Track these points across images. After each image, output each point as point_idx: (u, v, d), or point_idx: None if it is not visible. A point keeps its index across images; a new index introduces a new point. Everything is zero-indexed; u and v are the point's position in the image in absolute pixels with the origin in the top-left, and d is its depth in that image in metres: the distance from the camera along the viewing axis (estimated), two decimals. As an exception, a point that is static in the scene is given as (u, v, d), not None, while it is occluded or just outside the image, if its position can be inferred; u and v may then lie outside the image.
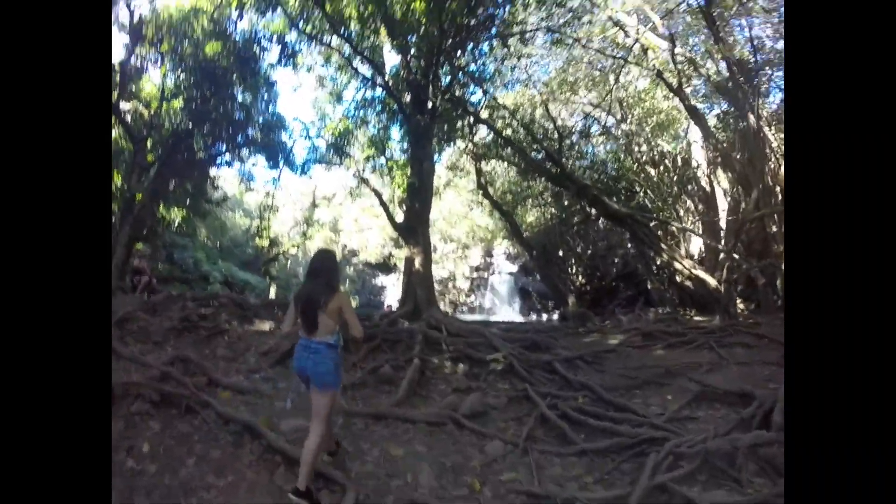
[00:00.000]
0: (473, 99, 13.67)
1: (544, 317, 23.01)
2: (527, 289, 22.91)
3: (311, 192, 22.49)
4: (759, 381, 5.64)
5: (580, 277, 21.62)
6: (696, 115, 11.58)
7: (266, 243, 17.13)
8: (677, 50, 10.84)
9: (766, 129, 10.52)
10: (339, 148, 14.38)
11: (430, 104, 11.43)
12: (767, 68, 11.42)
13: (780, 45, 10.77)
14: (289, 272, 28.72)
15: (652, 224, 12.79)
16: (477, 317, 23.56)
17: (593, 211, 13.75)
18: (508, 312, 23.60)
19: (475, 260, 25.80)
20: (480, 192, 16.73)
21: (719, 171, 13.91)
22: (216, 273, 22.29)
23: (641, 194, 14.70)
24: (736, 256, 11.61)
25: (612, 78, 14.44)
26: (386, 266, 26.91)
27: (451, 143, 15.66)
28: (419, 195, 11.57)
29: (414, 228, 11.26)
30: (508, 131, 13.67)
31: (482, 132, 15.52)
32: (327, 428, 3.59)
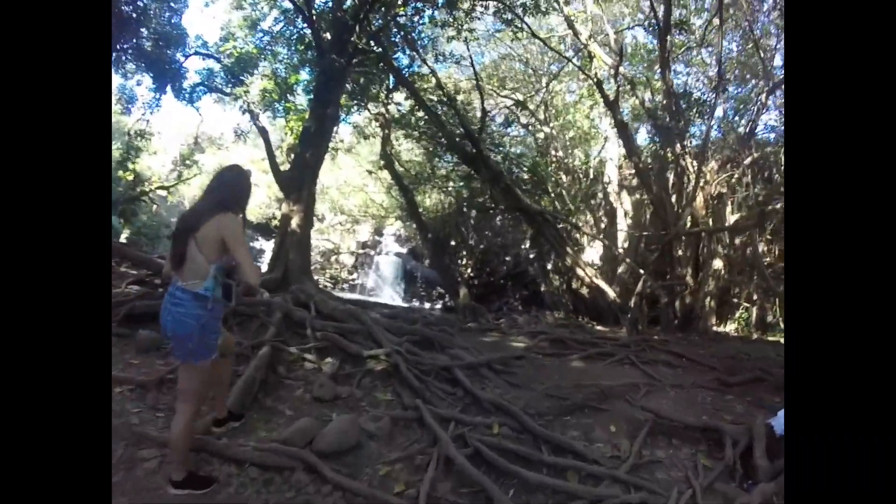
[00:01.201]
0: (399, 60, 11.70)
1: (427, 305, 21.52)
2: (414, 273, 21.12)
3: (196, 128, 18.65)
4: (708, 410, 4.52)
5: (469, 270, 20.39)
6: (623, 131, 10.74)
7: (130, 177, 13.80)
8: (620, 69, 10.13)
9: (689, 158, 9.99)
10: (235, 75, 11.65)
11: (350, 49, 9.29)
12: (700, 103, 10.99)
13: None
14: (159, 220, 24.50)
15: (559, 226, 11.63)
16: (357, 296, 21.51)
17: (501, 202, 12.33)
18: (391, 296, 21.70)
19: (364, 236, 23.43)
20: (382, 162, 14.68)
21: (624, 192, 13.60)
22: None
23: (552, 197, 13.62)
24: (641, 271, 10.82)
25: (545, 80, 14.09)
26: (267, 229, 23.74)
27: (363, 105, 13.57)
28: (313, 144, 9.33)
29: (299, 182, 9.00)
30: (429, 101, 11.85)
31: (399, 98, 13.72)
32: (196, 406, 2.58)
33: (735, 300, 10.20)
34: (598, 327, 9.48)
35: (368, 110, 14.06)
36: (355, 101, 13.20)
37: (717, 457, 3.45)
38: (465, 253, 20.54)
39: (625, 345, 6.85)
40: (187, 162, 17.10)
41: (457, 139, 10.96)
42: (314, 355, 4.51)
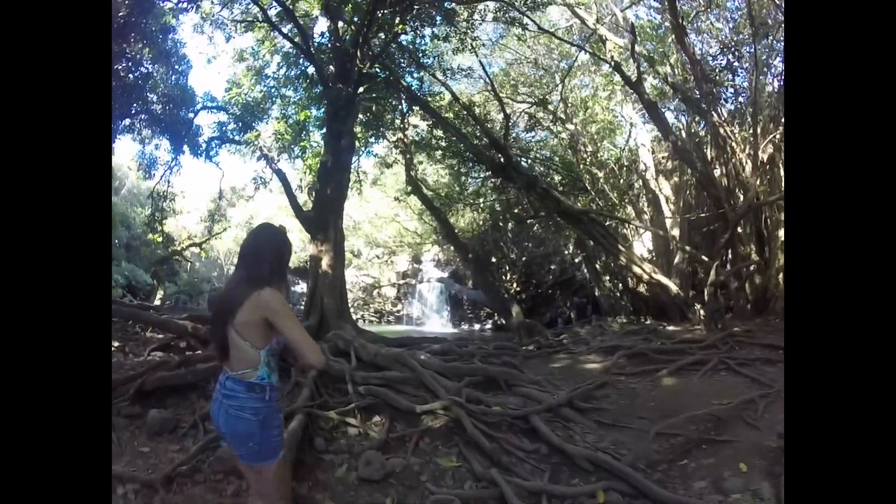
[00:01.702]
0: (410, 82, 11.12)
1: (477, 326, 20.57)
2: (459, 297, 20.24)
3: (218, 182, 18.57)
4: None
5: (515, 285, 19.41)
6: (653, 111, 9.75)
7: (159, 239, 13.61)
8: (636, 47, 9.26)
9: (727, 127, 8.92)
10: (245, 122, 11.28)
11: (355, 76, 8.76)
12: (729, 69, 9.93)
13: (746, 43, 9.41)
14: (194, 277, 24.56)
15: (606, 224, 10.62)
16: (404, 327, 20.79)
17: (540, 209, 11.40)
18: (438, 322, 20.88)
19: (402, 266, 22.73)
20: (410, 188, 14.02)
21: (661, 177, 12.48)
22: (117, 276, 18.22)
23: (591, 195, 12.57)
24: (705, 258, 9.63)
25: (558, 77, 13.12)
26: (305, 271, 23.47)
27: (380, 134, 13.03)
28: (332, 178, 8.73)
29: (324, 220, 8.36)
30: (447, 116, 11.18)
31: (415, 121, 13.15)
32: None
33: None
34: (670, 327, 8.35)
35: (386, 138, 13.50)
36: (371, 132, 12.67)
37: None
38: (507, 268, 19.57)
39: (712, 346, 5.79)
40: (215, 217, 16.86)
41: (483, 151, 10.16)
42: (358, 417, 3.68)
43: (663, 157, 13.39)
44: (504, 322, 14.32)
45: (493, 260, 19.19)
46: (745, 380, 4.57)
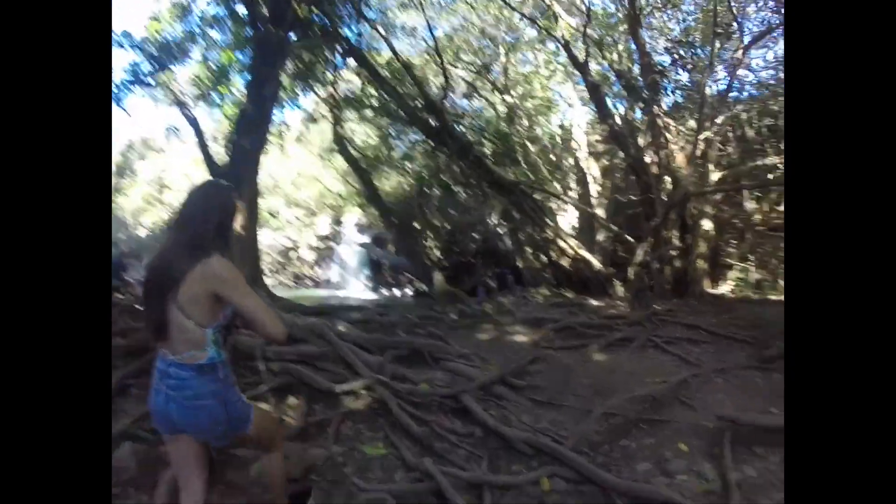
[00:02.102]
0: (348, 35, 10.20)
1: (398, 293, 20.21)
2: (381, 262, 19.64)
3: (127, 131, 16.42)
4: (767, 397, 3.59)
5: (437, 252, 19.19)
6: (595, 93, 9.75)
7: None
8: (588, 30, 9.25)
9: (665, 119, 9.21)
10: (161, 63, 9.83)
11: (290, 20, 7.84)
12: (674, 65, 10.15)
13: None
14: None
15: (535, 197, 10.54)
16: (323, 292, 20.01)
17: (471, 176, 11.09)
18: (358, 287, 20.27)
19: (323, 228, 21.66)
20: (336, 147, 13.19)
21: (592, 159, 12.83)
22: None
23: (523, 168, 12.43)
24: (630, 238, 9.85)
25: (503, 50, 13.10)
26: None
27: (309, 87, 11.96)
28: (252, 129, 7.86)
29: (239, 175, 7.51)
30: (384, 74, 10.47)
31: (349, 76, 12.31)
32: (282, 446, 2.09)
33: (728, 261, 9.38)
34: (592, 301, 8.44)
35: (316, 92, 12.47)
36: (300, 84, 11.59)
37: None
38: (430, 235, 19.24)
39: (637, 323, 5.82)
40: (123, 172, 14.92)
41: (417, 113, 9.60)
42: (272, 401, 3.18)
43: (596, 140, 13.57)
44: (426, 289, 14.04)
45: (417, 226, 18.81)
46: (673, 358, 4.59)
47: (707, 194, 8.44)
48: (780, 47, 10.11)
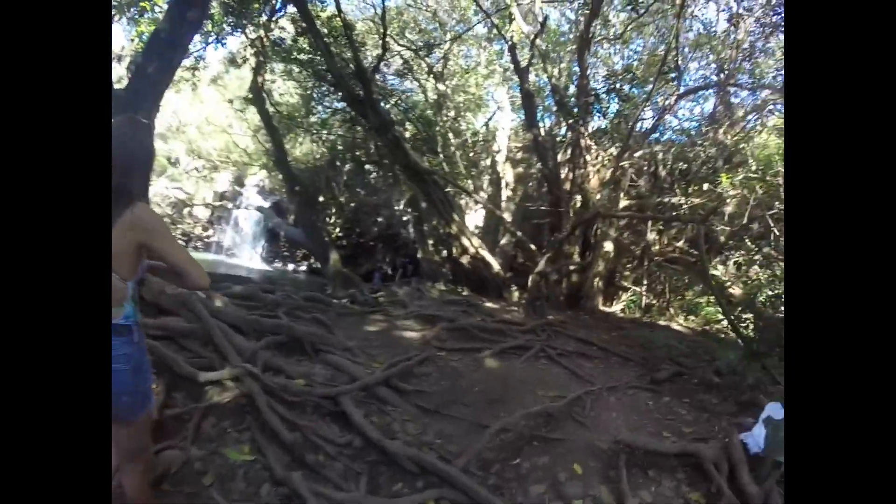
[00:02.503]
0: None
1: (291, 266, 19.17)
2: (277, 231, 18.47)
3: None
4: (660, 421, 3.64)
5: (338, 230, 18.45)
6: (529, 101, 9.87)
7: None
8: (538, 39, 9.38)
9: (588, 141, 9.43)
10: None
11: None
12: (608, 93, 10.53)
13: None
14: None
15: (447, 189, 10.37)
16: (212, 256, 18.47)
17: (387, 157, 10.67)
18: (250, 256, 18.94)
19: (222, 186, 19.89)
20: (251, 96, 12.03)
21: (508, 164, 12.94)
22: None
23: (441, 159, 12.20)
24: (532, 246, 10.03)
25: (448, 37, 12.73)
26: None
27: (240, 27, 10.71)
28: (163, 55, 6.74)
29: (137, 104, 6.43)
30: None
31: (284, 23, 11.37)
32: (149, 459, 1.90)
33: (622, 283, 9.87)
34: (487, 303, 8.44)
35: (245, 33, 11.25)
36: (231, 20, 10.35)
37: (700, 487, 2.64)
38: (333, 210, 18.42)
39: (531, 331, 5.83)
40: None
41: (346, 79, 8.97)
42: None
43: (517, 147, 13.71)
44: (320, 267, 13.37)
45: (321, 199, 17.95)
46: (565, 371, 4.56)
47: (616, 217, 8.79)
48: (708, 105, 11.00)
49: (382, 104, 10.70)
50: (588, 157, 9.52)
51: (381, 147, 10.12)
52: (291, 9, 10.02)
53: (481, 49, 13.78)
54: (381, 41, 9.49)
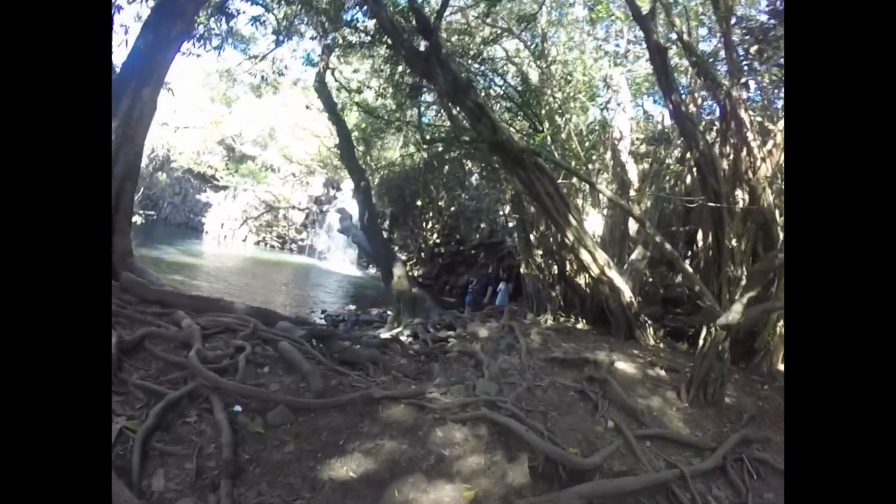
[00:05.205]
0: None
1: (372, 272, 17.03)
2: (348, 234, 16.29)
3: None
4: None
5: (435, 236, 15.97)
6: (661, 57, 6.17)
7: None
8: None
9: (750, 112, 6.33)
10: None
11: None
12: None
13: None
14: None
15: (559, 181, 7.19)
16: (305, 260, 17.00)
17: (468, 133, 7.72)
18: (342, 261, 17.20)
19: (317, 189, 18.45)
20: (347, 93, 10.01)
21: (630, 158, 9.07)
22: None
23: (546, 134, 8.82)
24: (684, 269, 6.47)
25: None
26: (213, 179, 18.55)
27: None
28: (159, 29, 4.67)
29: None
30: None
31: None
32: None
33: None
34: (620, 361, 5.16)
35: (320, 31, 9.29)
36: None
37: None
38: (431, 215, 15.95)
39: (720, 465, 2.60)
40: None
41: (407, 33, 6.32)
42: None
43: (638, 139, 9.99)
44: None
45: (419, 203, 15.58)
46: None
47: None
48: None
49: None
50: (751, 136, 5.87)
51: (458, 117, 7.31)
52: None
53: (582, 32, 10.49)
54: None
